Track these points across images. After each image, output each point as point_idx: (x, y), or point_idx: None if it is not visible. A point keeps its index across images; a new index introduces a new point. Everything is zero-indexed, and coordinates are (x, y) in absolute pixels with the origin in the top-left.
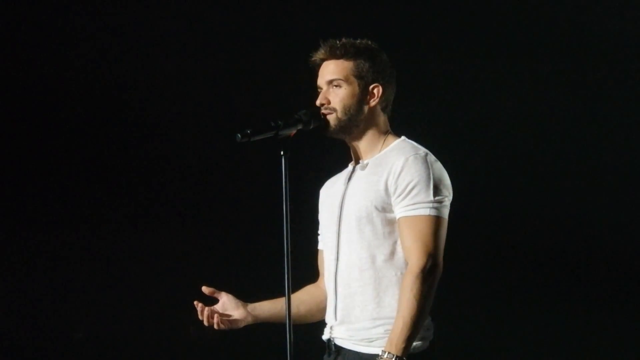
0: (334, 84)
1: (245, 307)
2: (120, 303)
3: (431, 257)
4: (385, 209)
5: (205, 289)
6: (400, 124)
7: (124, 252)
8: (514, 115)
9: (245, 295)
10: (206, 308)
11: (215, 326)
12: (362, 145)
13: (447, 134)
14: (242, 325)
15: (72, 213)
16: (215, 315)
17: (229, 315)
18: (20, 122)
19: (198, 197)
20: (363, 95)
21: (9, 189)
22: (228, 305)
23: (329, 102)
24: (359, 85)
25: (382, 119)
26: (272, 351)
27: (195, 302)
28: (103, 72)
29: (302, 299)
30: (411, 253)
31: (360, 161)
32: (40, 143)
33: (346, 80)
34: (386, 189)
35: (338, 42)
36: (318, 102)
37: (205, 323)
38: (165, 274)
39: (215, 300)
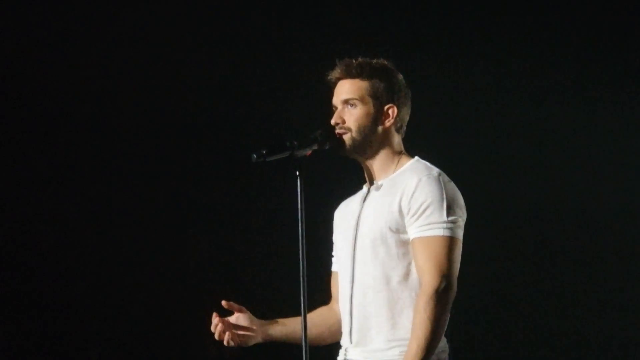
0: (349, 103)
1: (258, 324)
2: (140, 323)
3: (445, 278)
4: (399, 230)
5: (224, 303)
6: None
7: (145, 275)
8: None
9: (259, 315)
10: (220, 324)
11: (225, 342)
12: (376, 165)
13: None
14: (252, 343)
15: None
16: (227, 333)
17: (241, 329)
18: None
19: (212, 216)
20: (378, 116)
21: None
22: (242, 320)
23: (343, 122)
24: (374, 105)
25: (396, 139)
26: None
27: (214, 314)
28: (125, 91)
29: (315, 321)
30: (425, 274)
31: (375, 182)
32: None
33: (361, 100)
34: (400, 210)
35: (354, 61)
36: (333, 122)
37: (216, 337)
38: (183, 293)
39: (230, 313)
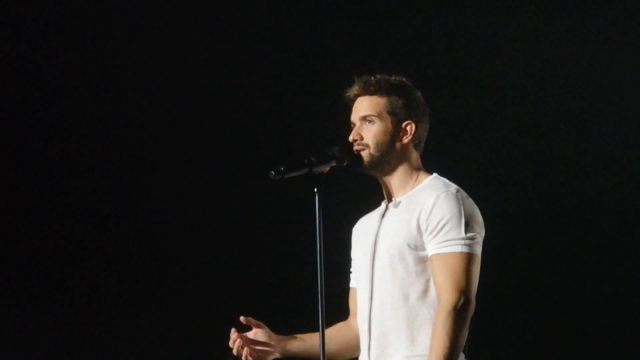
0: (367, 119)
1: (276, 339)
2: (161, 340)
3: (463, 294)
4: (417, 246)
5: (243, 319)
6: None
7: (159, 285)
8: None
9: (277, 331)
10: (238, 339)
11: (244, 358)
12: (394, 182)
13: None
14: (270, 358)
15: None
16: (246, 349)
17: (259, 344)
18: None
19: (230, 233)
20: (395, 132)
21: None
22: (260, 335)
23: (361, 138)
24: (391, 121)
25: (414, 156)
26: None
27: (232, 329)
28: (139, 103)
29: (332, 337)
30: (443, 290)
31: (393, 199)
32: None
33: (379, 116)
34: (418, 227)
35: (372, 78)
36: (351, 138)
37: (235, 352)
38: (199, 307)
39: (248, 329)
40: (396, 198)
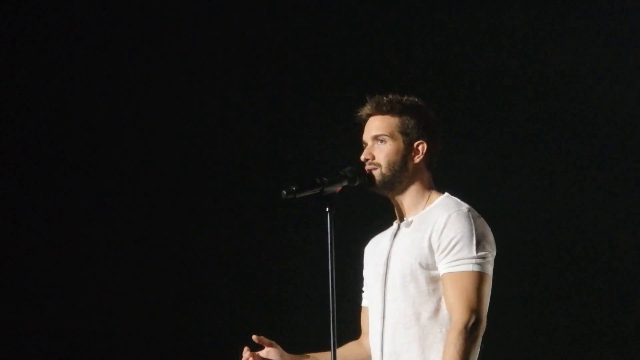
0: (379, 139)
1: (288, 358)
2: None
3: (474, 313)
4: (429, 266)
5: (255, 338)
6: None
7: (170, 298)
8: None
9: (289, 350)
10: (251, 358)
11: None
12: (406, 202)
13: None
14: None
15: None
16: None
17: None
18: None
19: (244, 252)
20: (407, 152)
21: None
22: (272, 354)
23: (373, 158)
24: (403, 141)
25: (427, 175)
26: None
27: (245, 348)
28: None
29: (345, 356)
30: (454, 309)
31: (405, 218)
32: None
33: (391, 136)
34: (430, 246)
35: (385, 98)
36: (362, 158)
37: None
38: (212, 327)
39: (260, 348)
40: (408, 218)
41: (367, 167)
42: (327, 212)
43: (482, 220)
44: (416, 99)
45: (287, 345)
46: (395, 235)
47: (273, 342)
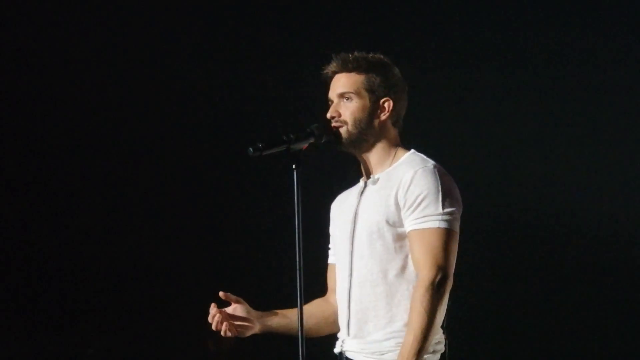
0: (345, 97)
1: (255, 315)
2: (136, 317)
3: (441, 270)
4: (395, 223)
5: (222, 294)
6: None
7: (140, 265)
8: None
9: (256, 307)
10: (217, 314)
11: (223, 333)
12: (373, 159)
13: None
14: (249, 333)
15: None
16: (225, 324)
17: (238, 319)
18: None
19: (209, 210)
20: (374, 109)
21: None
22: (239, 310)
23: (339, 115)
24: (369, 99)
25: (393, 133)
26: None
27: (212, 305)
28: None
29: (311, 312)
30: (421, 266)
31: (371, 175)
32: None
33: (357, 93)
34: (396, 203)
35: (350, 55)
36: (329, 115)
37: (214, 328)
38: (179, 286)
39: (227, 304)
40: (374, 175)
41: (334, 124)
42: (293, 170)
43: (448, 177)
44: (382, 56)
45: (254, 303)
46: (362, 192)
47: (240, 299)
